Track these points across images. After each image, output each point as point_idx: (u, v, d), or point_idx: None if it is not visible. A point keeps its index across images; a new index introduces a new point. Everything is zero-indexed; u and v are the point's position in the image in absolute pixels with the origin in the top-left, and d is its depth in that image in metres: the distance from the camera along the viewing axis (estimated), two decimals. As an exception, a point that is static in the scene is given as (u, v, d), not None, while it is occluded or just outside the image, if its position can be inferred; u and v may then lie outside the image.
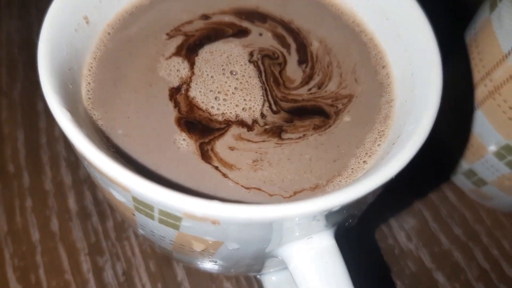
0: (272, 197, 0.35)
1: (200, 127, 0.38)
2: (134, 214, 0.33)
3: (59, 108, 0.30)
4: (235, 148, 0.37)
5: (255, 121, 0.39)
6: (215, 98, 0.40)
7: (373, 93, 0.40)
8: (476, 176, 0.55)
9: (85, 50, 0.39)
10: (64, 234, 0.55)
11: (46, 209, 0.56)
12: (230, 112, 0.39)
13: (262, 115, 0.39)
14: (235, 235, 0.31)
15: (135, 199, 0.30)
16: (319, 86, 0.41)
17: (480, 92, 0.48)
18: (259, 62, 0.42)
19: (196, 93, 0.40)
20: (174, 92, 0.40)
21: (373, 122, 0.39)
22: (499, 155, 0.50)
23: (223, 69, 0.41)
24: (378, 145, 0.37)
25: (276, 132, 0.38)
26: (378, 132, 0.38)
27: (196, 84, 0.40)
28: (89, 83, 0.38)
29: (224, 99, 0.40)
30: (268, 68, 0.42)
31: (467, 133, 0.52)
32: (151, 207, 0.30)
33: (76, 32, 0.37)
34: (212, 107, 0.39)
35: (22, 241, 0.54)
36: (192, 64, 0.41)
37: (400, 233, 0.58)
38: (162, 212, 0.30)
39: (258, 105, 0.40)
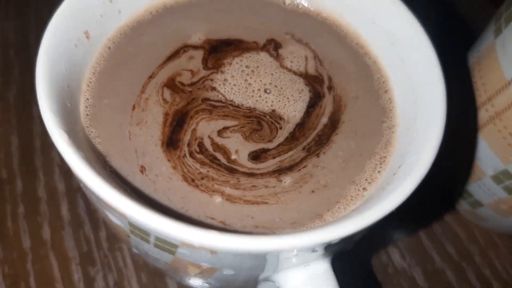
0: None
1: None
2: (129, 236, 0.33)
3: (57, 130, 0.29)
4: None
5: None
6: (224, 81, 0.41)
7: (374, 118, 0.40)
8: (472, 197, 0.55)
9: (85, 65, 0.38)
10: (55, 242, 0.54)
11: (38, 216, 0.55)
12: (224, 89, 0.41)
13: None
14: (232, 263, 0.31)
15: (131, 224, 0.30)
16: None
17: (481, 116, 0.48)
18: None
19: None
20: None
21: (374, 148, 0.38)
22: (497, 179, 0.50)
23: (259, 91, 0.41)
24: (379, 172, 0.37)
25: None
26: (380, 158, 0.38)
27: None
28: (87, 98, 0.38)
29: (234, 85, 0.41)
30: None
31: (465, 155, 0.52)
32: (147, 233, 0.30)
33: (76, 47, 0.37)
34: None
35: (13, 248, 0.53)
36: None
37: (394, 250, 0.58)
38: (158, 239, 0.30)
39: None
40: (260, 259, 0.30)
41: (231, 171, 0.37)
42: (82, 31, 0.38)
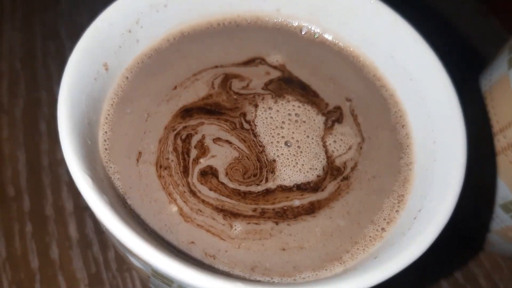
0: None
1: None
2: (149, 277, 0.33)
3: (82, 175, 0.29)
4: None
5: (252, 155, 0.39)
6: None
7: (391, 153, 0.40)
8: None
9: (103, 98, 0.38)
10: (64, 263, 0.54)
11: (46, 235, 0.55)
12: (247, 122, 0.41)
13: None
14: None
15: (154, 271, 0.30)
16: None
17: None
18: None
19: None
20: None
21: (391, 185, 0.38)
22: (506, 208, 0.50)
23: (282, 139, 0.40)
24: (397, 211, 0.37)
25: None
26: (398, 196, 0.38)
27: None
28: (105, 132, 0.37)
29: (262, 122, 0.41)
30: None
31: (477, 183, 0.52)
32: (170, 280, 0.30)
33: (96, 81, 0.36)
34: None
35: (21, 268, 0.53)
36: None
37: (400, 275, 0.58)
38: (181, 287, 0.29)
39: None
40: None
41: (184, 171, 0.37)
42: (101, 64, 0.37)
